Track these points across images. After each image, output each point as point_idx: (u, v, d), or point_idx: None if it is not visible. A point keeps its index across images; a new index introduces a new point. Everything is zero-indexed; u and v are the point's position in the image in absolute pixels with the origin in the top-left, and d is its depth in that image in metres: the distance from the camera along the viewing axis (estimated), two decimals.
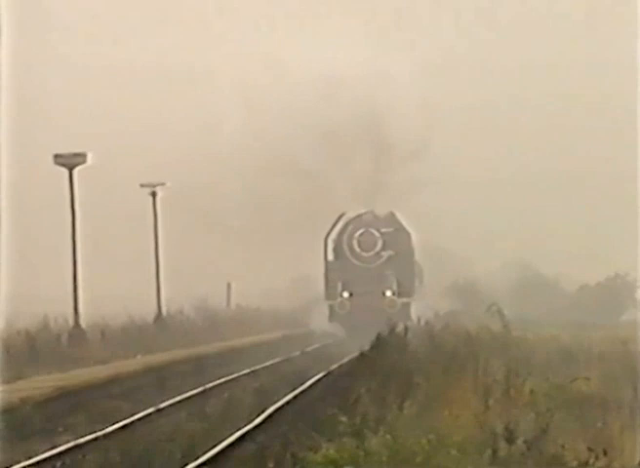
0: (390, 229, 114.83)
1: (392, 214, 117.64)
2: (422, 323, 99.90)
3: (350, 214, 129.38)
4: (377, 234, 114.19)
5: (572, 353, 62.69)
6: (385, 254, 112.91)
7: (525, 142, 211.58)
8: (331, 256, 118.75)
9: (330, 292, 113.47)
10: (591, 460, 24.64)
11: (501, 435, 27.73)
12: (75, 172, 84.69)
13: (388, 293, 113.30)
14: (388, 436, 26.96)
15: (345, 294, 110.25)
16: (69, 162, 78.35)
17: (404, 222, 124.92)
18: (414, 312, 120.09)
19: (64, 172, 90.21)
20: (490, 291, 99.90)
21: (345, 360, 52.97)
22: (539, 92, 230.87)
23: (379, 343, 57.95)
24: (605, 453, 24.96)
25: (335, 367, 58.97)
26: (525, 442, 27.16)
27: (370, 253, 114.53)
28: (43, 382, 46.23)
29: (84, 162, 73.52)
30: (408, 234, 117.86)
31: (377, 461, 24.52)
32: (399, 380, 40.81)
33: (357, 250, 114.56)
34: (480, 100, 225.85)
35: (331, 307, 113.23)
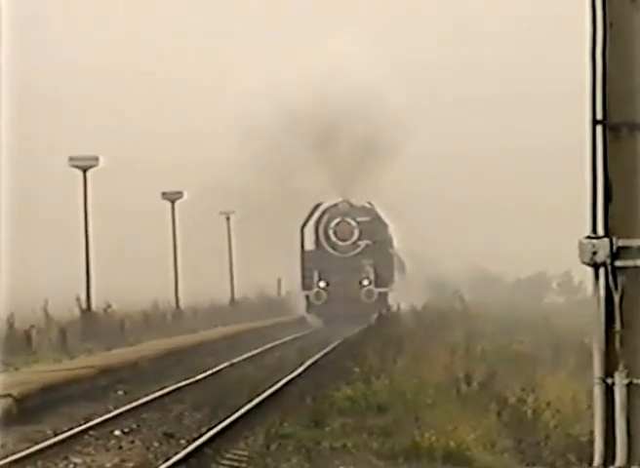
0: (367, 218, 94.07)
1: (369, 204, 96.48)
2: (409, 305, 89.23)
3: (326, 204, 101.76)
4: (353, 223, 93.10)
5: (510, 324, 64.03)
6: (362, 244, 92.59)
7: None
8: (307, 246, 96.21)
9: (306, 282, 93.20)
10: (524, 396, 24.94)
11: (462, 379, 28.67)
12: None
13: (365, 283, 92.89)
14: (387, 380, 28.08)
15: (322, 284, 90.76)
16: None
17: (381, 212, 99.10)
18: (394, 300, 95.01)
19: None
20: (454, 283, 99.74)
21: (357, 330, 51.61)
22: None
23: (380, 318, 60.15)
24: (533, 391, 25.38)
25: (349, 335, 56.76)
26: (478, 384, 27.94)
27: (346, 242, 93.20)
28: (155, 345, 45.98)
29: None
30: (385, 224, 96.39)
31: (379, 397, 24.48)
32: (394, 343, 41.25)
33: (333, 239, 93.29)
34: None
35: (307, 297, 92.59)
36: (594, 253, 12.42)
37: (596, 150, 12.46)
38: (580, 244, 12.47)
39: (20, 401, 25.00)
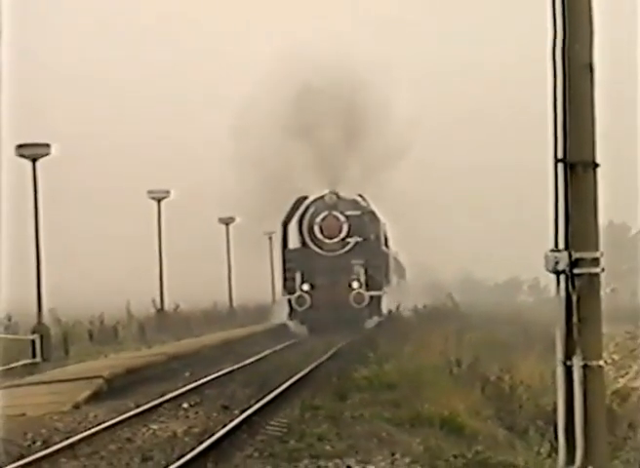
0: (357, 212, 68.13)
1: (360, 196, 70.61)
2: (411, 306, 72.03)
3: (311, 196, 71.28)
4: (341, 218, 66.85)
5: (491, 318, 64.20)
6: (352, 241, 66.88)
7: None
8: (289, 244, 69.47)
9: (288, 284, 68.32)
10: (502, 375, 24.93)
11: (454, 363, 28.57)
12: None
13: (355, 285, 66.89)
14: (396, 363, 27.58)
15: (305, 287, 66.57)
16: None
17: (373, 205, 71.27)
18: (391, 304, 69.85)
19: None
20: (447, 287, 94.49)
21: (372, 326, 47.14)
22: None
23: (389, 316, 58.79)
24: (509, 371, 25.35)
25: (366, 329, 55.03)
26: (467, 366, 27.89)
27: (334, 239, 66.94)
28: (213, 337, 45.93)
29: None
30: (378, 219, 70.78)
31: (389, 377, 24.38)
32: (400, 335, 41.29)
33: (319, 236, 67.04)
34: None
35: (289, 303, 67.40)
36: (556, 263, 12.40)
37: (558, 182, 12.46)
38: (546, 256, 12.45)
39: (109, 381, 25.11)
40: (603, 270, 12.76)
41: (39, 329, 34.39)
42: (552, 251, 12.62)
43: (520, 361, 27.96)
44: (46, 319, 34.96)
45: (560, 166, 12.66)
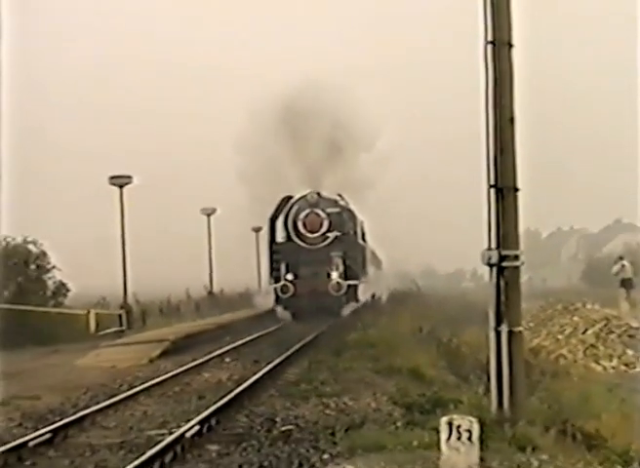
0: (336, 210, 49.32)
1: (339, 196, 51.51)
2: (386, 290, 59.55)
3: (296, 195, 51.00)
4: (322, 214, 48.51)
5: (444, 298, 63.33)
6: (331, 235, 48.00)
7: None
8: (276, 238, 49.91)
9: (274, 274, 49.26)
10: (452, 339, 25.09)
11: (418, 330, 28.28)
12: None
13: (334, 275, 47.84)
14: (376, 330, 27.28)
15: (289, 277, 47.85)
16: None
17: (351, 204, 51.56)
18: (368, 292, 54.84)
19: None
20: (411, 275, 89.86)
21: (348, 312, 41.85)
22: None
23: (372, 299, 55.27)
24: (457, 335, 25.31)
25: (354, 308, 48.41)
26: (426, 332, 27.65)
27: (315, 234, 48.01)
28: (246, 312, 45.69)
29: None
30: (354, 215, 51.02)
31: (372, 339, 24.23)
32: (379, 311, 41.16)
33: (302, 231, 48.49)
34: None
35: (275, 291, 48.66)
36: (490, 258, 12.42)
37: (490, 201, 12.48)
38: (482, 253, 12.48)
39: (173, 342, 25.15)
40: (522, 263, 12.82)
41: (124, 306, 35.32)
42: (487, 250, 12.68)
43: (464, 328, 27.77)
44: (129, 299, 35.56)
45: (492, 190, 12.71)
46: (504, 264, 12.44)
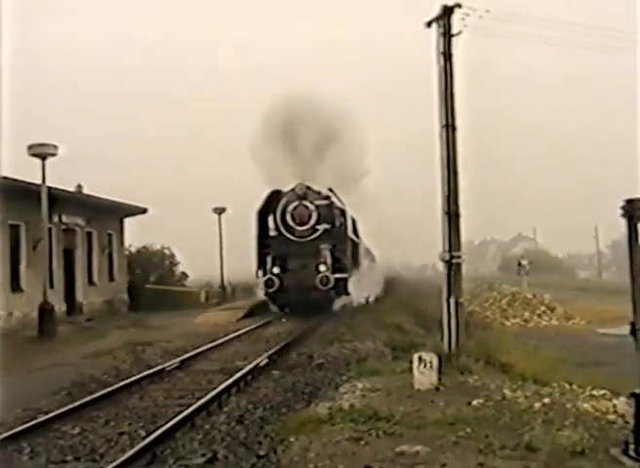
0: (325, 202, 23.54)
1: (329, 190, 24.67)
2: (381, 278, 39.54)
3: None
4: (311, 207, 23.57)
5: (416, 282, 61.59)
6: (321, 228, 22.94)
7: None
8: (264, 231, 23.97)
9: (263, 267, 23.32)
10: (422, 307, 24.15)
11: (401, 302, 26.90)
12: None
13: (322, 269, 22.75)
14: (373, 316, 24.98)
15: (275, 270, 22.93)
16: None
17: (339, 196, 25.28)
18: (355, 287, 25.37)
19: None
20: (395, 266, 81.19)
21: (338, 307, 24.29)
22: None
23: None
24: (425, 305, 24.29)
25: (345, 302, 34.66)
26: (407, 303, 26.62)
27: (304, 226, 23.34)
28: None
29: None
30: (343, 209, 24.43)
31: (371, 308, 23.84)
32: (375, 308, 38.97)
33: (291, 223, 23.47)
34: None
35: (262, 284, 23.34)
36: (444, 257, 12.28)
37: (444, 222, 12.35)
38: (440, 254, 12.34)
39: (251, 309, 24.10)
40: (463, 260, 12.68)
41: (222, 286, 34.86)
42: (443, 251, 12.55)
43: (429, 300, 27.25)
44: (225, 282, 35.38)
45: (446, 215, 12.61)
46: (453, 261, 12.33)
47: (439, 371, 8.78)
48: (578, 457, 5.47)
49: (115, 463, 5.73)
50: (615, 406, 7.23)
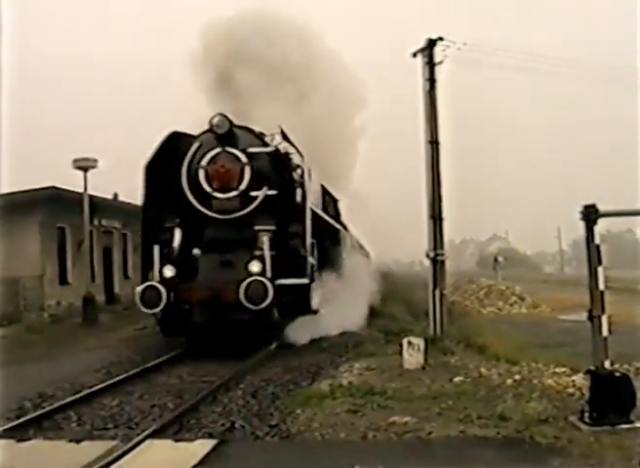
0: (269, 150, 7.53)
1: (280, 130, 7.69)
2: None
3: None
4: (242, 158, 7.52)
5: (405, 276, 60.87)
6: (260, 195, 7.44)
7: None
8: (154, 201, 7.57)
9: (146, 271, 7.88)
10: (412, 298, 22.96)
11: (395, 293, 23.63)
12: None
13: (254, 270, 7.74)
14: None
15: (168, 272, 7.76)
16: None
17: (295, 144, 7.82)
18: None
19: None
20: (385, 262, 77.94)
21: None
22: None
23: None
24: (414, 296, 23.77)
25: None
26: (398, 295, 25.67)
27: (228, 193, 7.61)
28: None
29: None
30: (303, 166, 7.55)
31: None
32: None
33: (205, 188, 7.61)
34: None
35: (138, 299, 8.10)
36: (429, 255, 12.28)
37: (430, 224, 12.37)
38: (426, 251, 12.35)
39: None
40: (447, 257, 12.69)
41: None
42: (429, 250, 12.57)
43: (416, 291, 26.90)
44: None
45: (431, 219, 12.61)
46: (437, 258, 12.36)
47: (425, 353, 8.79)
48: (543, 424, 5.60)
49: (148, 431, 5.74)
50: (574, 381, 7.31)
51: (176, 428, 6.06)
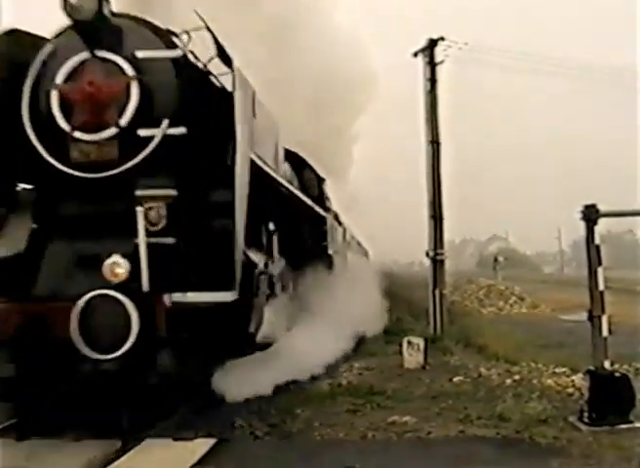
0: (176, 54, 2.88)
1: (197, 16, 2.69)
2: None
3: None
4: (126, 68, 2.96)
5: (404, 276, 60.56)
6: (156, 135, 2.71)
7: None
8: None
9: None
10: (412, 297, 22.67)
11: (395, 292, 21.34)
12: None
13: (119, 271, 2.94)
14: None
15: None
16: None
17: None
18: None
19: None
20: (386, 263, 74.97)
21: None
22: None
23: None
24: (414, 295, 23.93)
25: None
26: (398, 293, 25.77)
27: (100, 133, 2.78)
28: None
29: None
30: (248, 83, 2.71)
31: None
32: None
33: (60, 124, 2.85)
34: None
35: None
36: (429, 254, 12.28)
37: (430, 224, 12.36)
38: (426, 251, 12.35)
39: None
40: (446, 257, 12.70)
41: None
42: (429, 249, 12.56)
43: (416, 291, 26.81)
44: None
45: (432, 219, 12.60)
46: (437, 258, 12.36)
47: (425, 353, 8.79)
48: (542, 424, 5.59)
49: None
50: (573, 381, 7.31)
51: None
